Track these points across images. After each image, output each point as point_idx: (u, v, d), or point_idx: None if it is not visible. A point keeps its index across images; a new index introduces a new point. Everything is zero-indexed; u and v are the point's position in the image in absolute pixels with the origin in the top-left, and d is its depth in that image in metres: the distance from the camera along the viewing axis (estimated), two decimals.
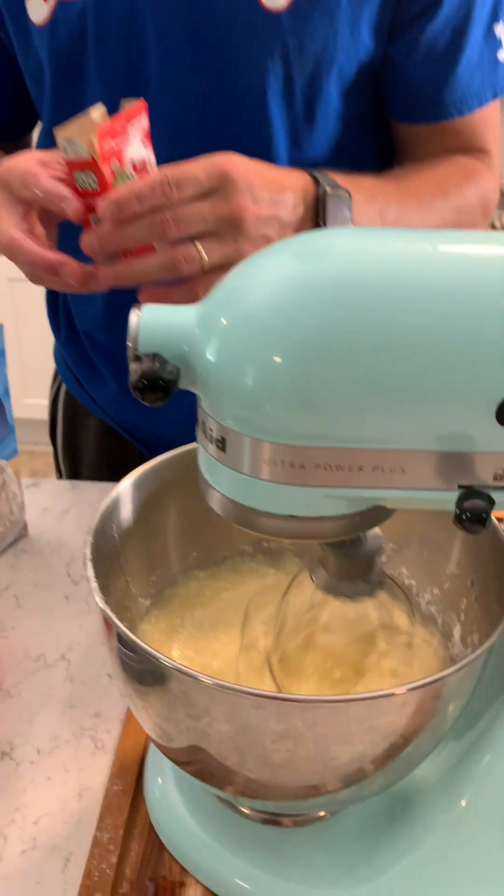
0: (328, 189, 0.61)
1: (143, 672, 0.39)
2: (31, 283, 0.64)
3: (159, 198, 0.55)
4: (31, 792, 0.57)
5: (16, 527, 0.80)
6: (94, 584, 0.42)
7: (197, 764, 0.42)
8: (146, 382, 0.35)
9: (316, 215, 0.62)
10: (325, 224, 0.61)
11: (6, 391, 0.74)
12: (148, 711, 0.42)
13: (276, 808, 0.46)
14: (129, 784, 0.55)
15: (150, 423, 0.90)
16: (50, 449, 1.07)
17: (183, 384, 0.38)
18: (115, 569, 0.50)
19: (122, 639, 0.39)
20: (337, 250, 0.37)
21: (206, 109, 0.71)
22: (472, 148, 0.77)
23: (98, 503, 0.48)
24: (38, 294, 0.95)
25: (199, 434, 0.40)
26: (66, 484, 0.91)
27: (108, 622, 0.40)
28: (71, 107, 0.68)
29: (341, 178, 0.64)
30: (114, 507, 0.48)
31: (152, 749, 0.57)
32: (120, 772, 0.56)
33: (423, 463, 0.36)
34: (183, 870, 0.50)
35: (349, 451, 0.36)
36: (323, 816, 0.49)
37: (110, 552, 0.49)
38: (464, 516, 0.35)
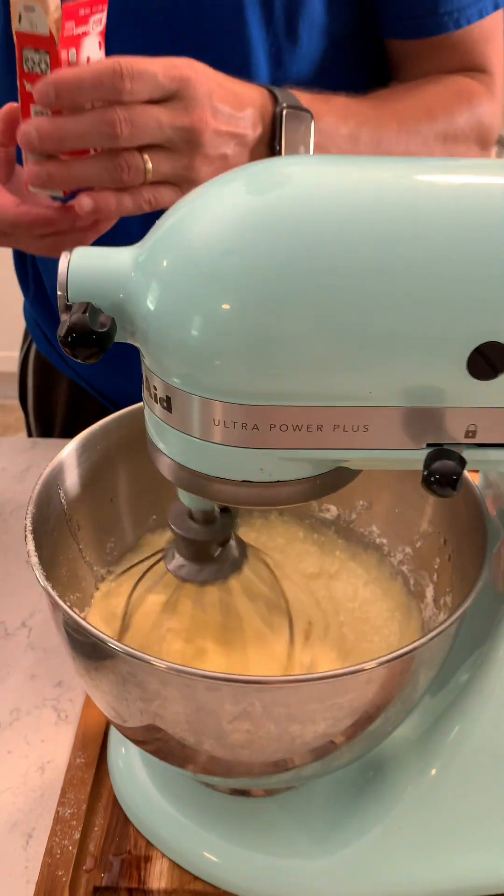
0: (286, 107, 0.55)
1: (91, 654, 0.36)
2: None
3: (109, 89, 0.47)
4: None
5: None
6: (33, 560, 0.38)
7: (155, 743, 0.39)
8: (75, 335, 0.31)
9: (272, 137, 0.56)
10: (280, 147, 0.56)
11: None
12: (100, 691, 0.39)
13: (240, 785, 0.44)
14: (93, 756, 0.53)
15: (123, 383, 0.85)
16: (18, 403, 1.02)
17: (120, 337, 0.34)
18: (64, 537, 0.46)
19: (67, 621, 0.36)
20: (294, 181, 0.33)
21: (175, 23, 0.64)
22: (471, 67, 0.69)
23: None
24: (5, 251, 0.89)
25: (145, 393, 0.36)
26: (26, 442, 0.87)
27: (52, 601, 0.37)
28: None
29: (308, 98, 0.57)
30: (58, 473, 0.44)
31: None
32: (83, 744, 0.54)
33: (388, 421, 0.33)
34: (148, 844, 0.48)
35: (309, 409, 0.32)
36: (292, 786, 0.47)
37: (58, 520, 0.46)
38: (432, 478, 0.32)
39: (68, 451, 0.45)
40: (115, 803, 0.51)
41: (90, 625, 0.35)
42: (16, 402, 1.03)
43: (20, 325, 1.00)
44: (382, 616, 0.50)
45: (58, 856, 0.48)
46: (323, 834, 0.46)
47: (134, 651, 0.33)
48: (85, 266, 0.34)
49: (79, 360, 0.32)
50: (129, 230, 0.49)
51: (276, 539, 0.55)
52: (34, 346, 0.94)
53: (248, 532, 0.55)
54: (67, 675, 0.61)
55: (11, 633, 0.64)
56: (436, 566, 0.48)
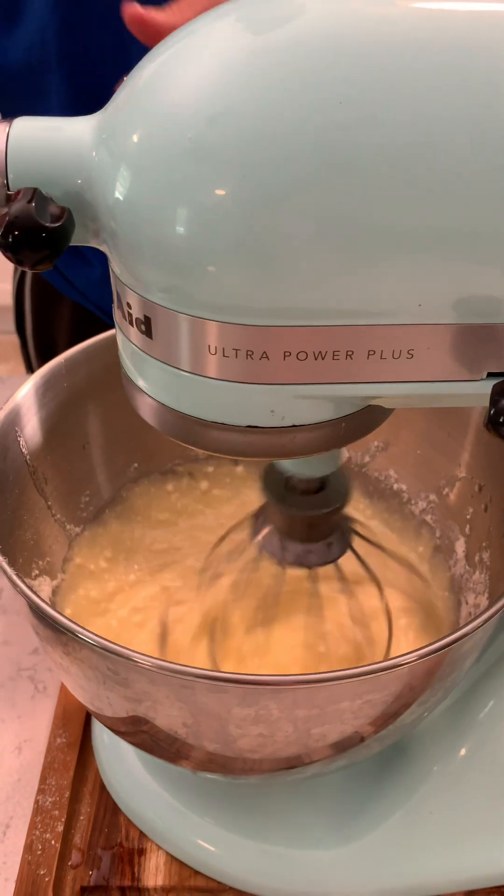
0: None
1: (63, 645, 0.29)
2: None
3: None
4: None
5: None
6: None
7: (139, 736, 0.33)
8: (18, 233, 0.22)
9: None
10: None
11: None
12: (76, 687, 0.32)
13: (246, 783, 0.38)
14: (76, 734, 0.47)
15: None
16: (9, 338, 0.91)
17: (79, 237, 0.26)
18: (28, 493, 0.39)
19: (31, 606, 0.28)
20: (309, 12, 0.24)
21: None
22: None
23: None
24: None
25: (116, 313, 0.28)
26: None
27: (12, 583, 0.29)
28: None
29: None
30: (14, 418, 0.36)
31: None
32: (63, 720, 0.48)
33: (438, 343, 0.25)
34: (142, 835, 0.43)
35: (335, 330, 0.24)
36: None
37: (19, 473, 0.38)
38: (502, 418, 0.24)
39: (26, 392, 0.37)
40: (103, 788, 0.45)
41: (59, 612, 0.27)
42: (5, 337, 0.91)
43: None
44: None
45: (38, 852, 0.42)
46: (339, 820, 0.41)
47: (113, 645, 0.26)
48: (31, 141, 0.25)
49: (25, 268, 0.24)
50: None
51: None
52: (28, 273, 0.83)
53: (220, 480, 0.47)
54: None
55: None
56: (468, 516, 0.41)
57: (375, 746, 0.33)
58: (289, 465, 0.34)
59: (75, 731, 0.47)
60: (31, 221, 0.22)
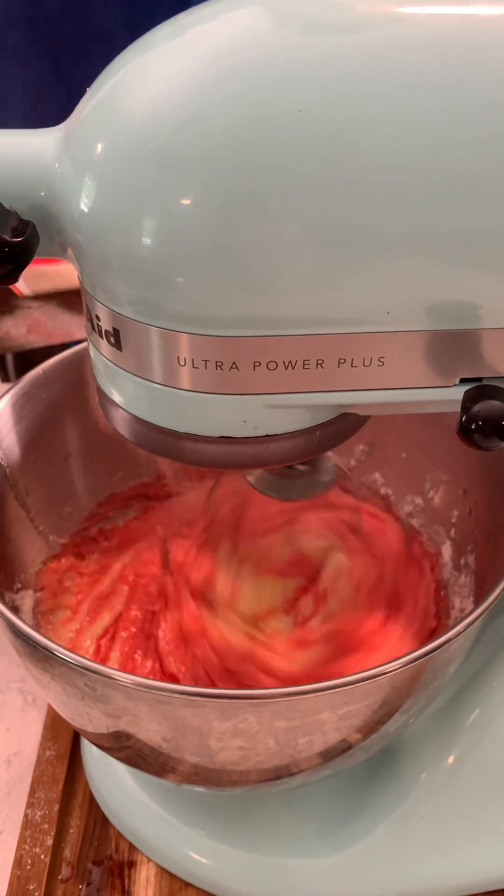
0: None
1: (42, 662, 0.28)
2: None
3: None
4: None
5: None
6: None
7: (124, 752, 0.32)
8: None
9: None
10: None
11: None
12: (58, 703, 0.32)
13: (232, 794, 0.38)
14: (65, 747, 0.47)
15: None
16: None
17: (45, 250, 0.25)
18: (9, 506, 0.38)
19: (10, 625, 0.28)
20: (270, 18, 0.23)
21: None
22: None
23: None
24: None
25: (87, 325, 0.28)
26: None
27: None
28: None
29: None
30: None
31: None
32: (53, 733, 0.47)
33: (409, 350, 0.25)
34: (132, 847, 0.42)
35: (305, 339, 0.24)
36: None
37: (0, 485, 0.38)
38: (473, 425, 0.24)
39: (3, 405, 0.36)
40: (92, 801, 0.44)
41: (36, 631, 0.27)
42: None
43: None
44: None
45: (28, 866, 0.42)
46: (329, 828, 0.41)
47: (88, 662, 0.26)
48: None
49: None
50: None
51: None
52: None
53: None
54: None
55: None
56: (453, 520, 0.41)
57: (361, 755, 0.32)
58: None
59: (64, 743, 0.47)
60: None
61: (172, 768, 0.32)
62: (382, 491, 0.45)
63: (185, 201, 0.23)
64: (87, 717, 0.30)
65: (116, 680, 0.26)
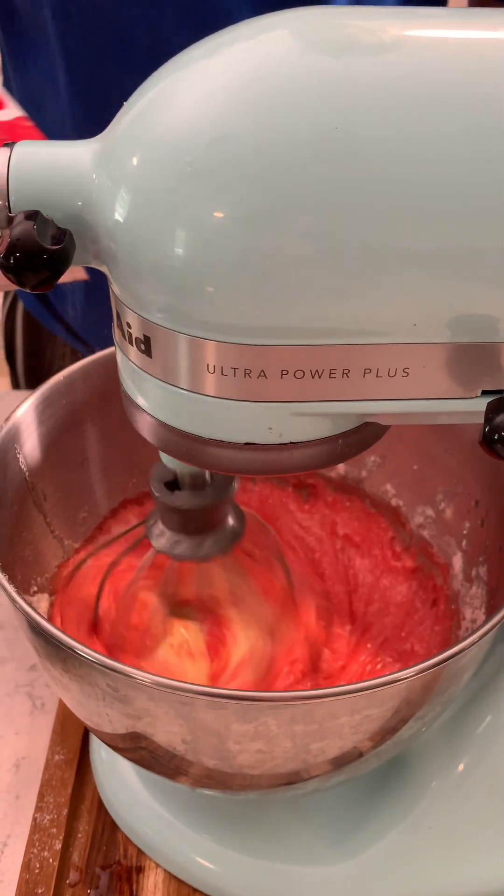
0: None
1: (63, 663, 0.29)
2: None
3: None
4: None
5: None
6: None
7: (138, 752, 0.33)
8: (19, 255, 0.23)
9: None
10: None
11: None
12: (75, 703, 0.32)
13: (243, 798, 0.38)
14: (74, 751, 0.47)
15: None
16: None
17: (79, 258, 0.26)
18: (27, 509, 0.39)
19: (32, 624, 0.28)
20: (310, 35, 0.24)
21: None
22: None
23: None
24: None
25: (116, 333, 0.28)
26: None
27: (11, 600, 0.30)
28: None
29: None
30: (14, 435, 0.37)
31: None
32: (62, 737, 0.48)
33: (433, 361, 0.25)
34: (140, 852, 0.42)
35: (332, 349, 0.25)
36: None
37: (19, 490, 0.38)
38: (496, 436, 0.25)
39: (25, 409, 0.37)
40: (101, 806, 0.45)
41: (59, 629, 0.27)
42: None
43: None
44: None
45: (36, 870, 0.42)
46: (338, 836, 0.41)
47: (112, 662, 0.26)
48: (32, 164, 0.25)
49: (26, 289, 0.24)
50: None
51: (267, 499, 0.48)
52: (20, 303, 0.82)
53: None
54: None
55: None
56: (465, 531, 0.41)
57: (374, 761, 0.33)
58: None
59: (73, 747, 0.47)
60: (33, 243, 0.23)
61: (186, 771, 0.32)
62: (394, 502, 0.46)
63: (217, 214, 0.24)
64: (105, 717, 0.30)
65: (139, 680, 0.26)
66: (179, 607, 0.39)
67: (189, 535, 0.35)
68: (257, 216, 0.23)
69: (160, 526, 0.36)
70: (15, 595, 0.29)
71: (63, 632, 0.28)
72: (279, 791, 0.33)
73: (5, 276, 0.24)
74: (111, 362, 0.40)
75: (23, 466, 0.38)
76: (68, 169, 0.26)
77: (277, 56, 0.24)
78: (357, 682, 0.26)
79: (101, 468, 0.43)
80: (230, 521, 0.36)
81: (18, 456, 0.37)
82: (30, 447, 0.38)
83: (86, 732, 0.48)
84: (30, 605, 0.29)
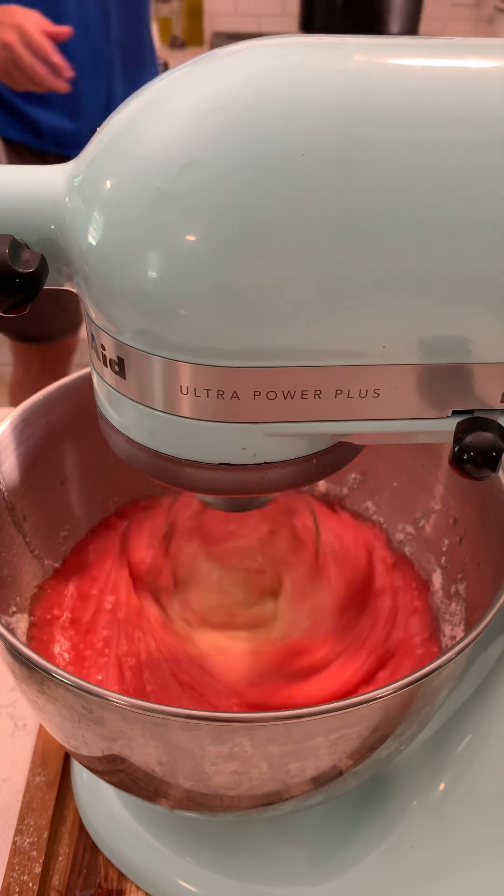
0: None
1: (38, 684, 0.29)
2: None
3: None
4: None
5: None
6: None
7: (117, 775, 0.33)
8: None
9: None
10: None
11: None
12: (52, 726, 0.32)
13: (223, 819, 0.38)
14: (55, 773, 0.47)
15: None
16: None
17: (53, 280, 0.26)
18: (6, 530, 0.39)
19: (7, 646, 0.28)
20: (280, 64, 0.25)
21: None
22: None
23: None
24: None
25: (91, 354, 0.29)
26: None
27: None
28: None
29: None
30: None
31: None
32: (43, 758, 0.47)
33: (404, 383, 0.26)
34: (121, 875, 0.42)
35: (304, 371, 0.25)
36: None
37: None
38: (465, 455, 0.25)
39: (4, 429, 0.37)
40: (82, 828, 0.44)
41: (33, 651, 0.27)
42: None
43: None
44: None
45: (16, 894, 0.41)
46: (320, 856, 0.41)
47: (86, 683, 0.26)
48: (4, 187, 0.26)
49: None
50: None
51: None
52: None
53: None
54: None
55: None
56: (444, 548, 0.41)
57: (352, 781, 0.33)
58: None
59: (55, 769, 0.47)
60: (6, 268, 0.23)
61: (165, 793, 0.32)
62: (374, 518, 0.46)
63: (189, 238, 0.24)
64: (82, 739, 0.30)
65: (112, 701, 0.26)
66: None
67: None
68: (228, 241, 0.23)
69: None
70: None
71: (38, 654, 0.27)
72: (258, 812, 0.33)
73: None
74: (86, 385, 0.41)
75: (2, 486, 0.38)
76: (41, 192, 0.26)
77: (249, 82, 0.24)
78: (332, 702, 0.26)
79: (80, 487, 0.43)
80: None
81: None
82: (9, 467, 0.38)
83: (67, 754, 0.47)
84: (7, 626, 0.29)
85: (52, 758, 0.47)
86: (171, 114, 0.25)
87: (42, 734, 0.49)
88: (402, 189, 0.23)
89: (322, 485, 0.48)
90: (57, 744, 0.48)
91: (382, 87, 0.24)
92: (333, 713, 0.26)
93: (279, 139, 0.23)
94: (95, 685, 0.26)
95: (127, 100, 0.27)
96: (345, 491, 0.47)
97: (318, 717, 0.26)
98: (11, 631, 0.28)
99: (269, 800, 0.32)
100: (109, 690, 0.26)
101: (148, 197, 0.24)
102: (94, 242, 0.25)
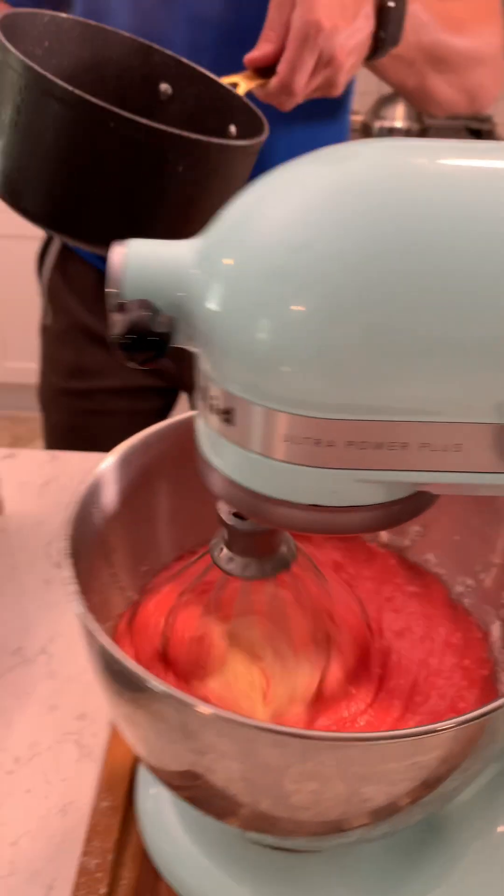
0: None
1: (132, 695, 0.32)
2: (12, 241, 0.57)
3: None
4: (8, 807, 0.50)
5: None
6: (73, 588, 0.34)
7: (194, 790, 0.35)
8: (135, 336, 0.27)
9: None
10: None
11: None
12: (139, 740, 0.35)
13: (290, 845, 0.40)
14: (119, 798, 0.49)
15: None
16: (33, 414, 0.97)
17: (179, 340, 0.30)
18: (98, 560, 0.42)
19: (106, 656, 0.32)
20: (384, 165, 0.29)
21: None
22: None
23: (82, 475, 0.40)
24: (22, 251, 0.88)
25: (200, 403, 0.32)
26: (44, 455, 0.84)
27: (88, 632, 0.33)
28: None
29: None
30: (95, 490, 0.40)
31: None
32: (108, 784, 0.50)
33: (482, 438, 0.29)
34: None
35: (391, 424, 0.28)
36: None
37: (93, 541, 0.42)
38: None
39: (106, 467, 0.41)
40: (145, 854, 0.46)
41: (139, 667, 0.30)
42: (28, 414, 0.99)
43: (32, 336, 0.96)
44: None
45: None
46: (377, 895, 0.42)
47: (182, 695, 0.29)
48: (143, 259, 0.30)
49: (132, 365, 0.29)
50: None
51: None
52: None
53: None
54: (91, 707, 0.56)
55: (30, 659, 0.60)
56: (503, 601, 0.44)
57: (417, 814, 0.35)
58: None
59: (119, 794, 0.49)
60: (146, 328, 0.27)
61: (236, 811, 0.35)
62: (434, 571, 0.49)
63: (298, 309, 0.28)
64: (170, 752, 0.32)
65: (204, 714, 0.29)
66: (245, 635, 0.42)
67: (257, 557, 0.38)
68: (332, 313, 0.27)
69: (227, 552, 0.39)
70: (96, 634, 0.32)
71: (139, 667, 0.31)
72: (326, 839, 0.35)
73: (115, 355, 0.29)
74: (179, 430, 0.45)
75: (98, 520, 0.42)
76: (173, 263, 0.30)
77: (359, 177, 0.29)
78: (411, 728, 0.28)
79: (166, 525, 0.46)
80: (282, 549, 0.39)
81: (95, 510, 0.41)
82: (106, 502, 0.42)
83: (132, 781, 0.50)
84: (109, 643, 0.33)
85: (117, 784, 0.49)
86: (289, 200, 0.29)
87: (108, 760, 0.51)
88: (484, 274, 0.27)
89: (384, 535, 0.51)
90: (122, 771, 0.50)
91: (479, 186, 0.28)
92: (411, 738, 0.28)
93: (384, 229, 0.27)
94: (194, 698, 0.29)
95: (251, 184, 0.31)
96: (407, 543, 0.50)
97: (395, 740, 0.28)
98: (114, 643, 0.31)
99: (340, 826, 0.34)
100: (207, 703, 0.29)
101: (262, 272, 0.28)
102: (215, 308, 0.29)
